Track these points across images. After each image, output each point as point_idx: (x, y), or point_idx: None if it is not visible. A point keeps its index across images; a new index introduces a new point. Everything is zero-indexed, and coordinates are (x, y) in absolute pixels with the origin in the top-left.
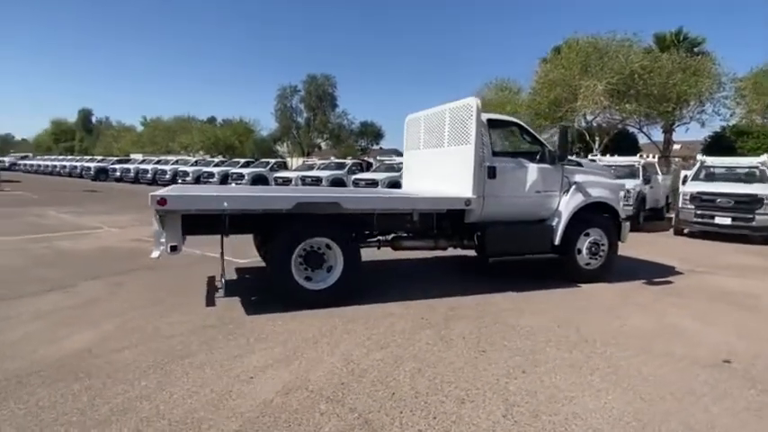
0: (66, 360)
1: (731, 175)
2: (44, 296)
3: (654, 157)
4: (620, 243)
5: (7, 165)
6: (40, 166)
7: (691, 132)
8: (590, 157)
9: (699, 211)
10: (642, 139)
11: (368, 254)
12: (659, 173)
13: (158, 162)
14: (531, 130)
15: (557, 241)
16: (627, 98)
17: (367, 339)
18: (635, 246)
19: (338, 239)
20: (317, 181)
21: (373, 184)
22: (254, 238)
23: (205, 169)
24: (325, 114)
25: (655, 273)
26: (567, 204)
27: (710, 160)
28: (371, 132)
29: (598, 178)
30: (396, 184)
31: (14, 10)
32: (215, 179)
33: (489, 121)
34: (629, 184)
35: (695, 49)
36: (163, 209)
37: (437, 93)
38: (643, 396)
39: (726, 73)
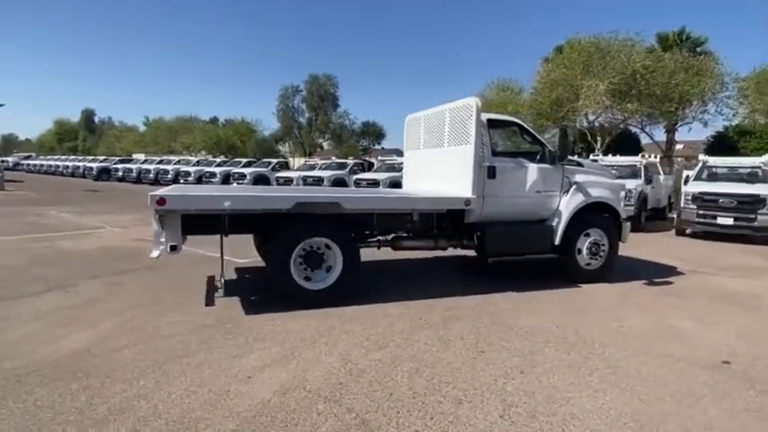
0: (65, 360)
1: (733, 175)
2: (44, 296)
3: (656, 157)
4: (620, 243)
5: (11, 165)
6: (42, 165)
7: (693, 132)
8: (592, 157)
9: (701, 212)
10: (645, 139)
11: (368, 254)
12: (661, 173)
13: (160, 162)
14: (531, 130)
15: (557, 241)
16: (629, 98)
17: (365, 339)
18: (636, 246)
19: (337, 239)
20: (318, 181)
21: (375, 184)
22: (254, 237)
23: (207, 169)
24: (327, 114)
25: (655, 273)
26: (567, 204)
27: (713, 160)
28: (373, 132)
29: (598, 178)
30: (397, 184)
31: (16, 10)
32: (217, 179)
33: (489, 120)
34: (631, 184)
35: (698, 49)
36: (162, 208)
37: (438, 93)
38: (641, 397)
39: (728, 73)
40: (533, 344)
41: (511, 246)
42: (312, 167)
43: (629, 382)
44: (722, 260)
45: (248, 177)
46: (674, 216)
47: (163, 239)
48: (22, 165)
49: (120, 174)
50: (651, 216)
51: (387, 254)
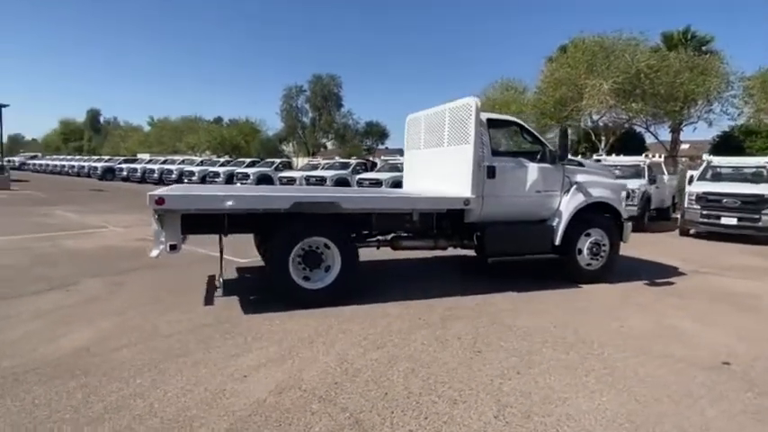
0: (64, 358)
1: (738, 175)
2: (45, 295)
3: (661, 156)
4: (622, 243)
5: (17, 164)
6: (48, 165)
7: (699, 132)
8: (595, 156)
9: (705, 212)
10: (649, 139)
11: (367, 254)
12: (665, 173)
13: (165, 162)
14: (532, 130)
15: (557, 241)
16: (633, 97)
17: (363, 339)
18: (639, 246)
19: (336, 239)
20: (321, 181)
21: (377, 183)
22: (254, 237)
23: (211, 169)
24: (331, 114)
25: (657, 273)
26: (567, 204)
27: (717, 160)
28: (377, 132)
29: (599, 178)
30: (399, 183)
31: (17, 11)
32: (220, 179)
33: (489, 120)
34: (634, 183)
35: (703, 48)
36: (161, 208)
37: (441, 92)
38: (638, 398)
39: (734, 72)
40: (531, 344)
41: (511, 246)
42: (315, 167)
43: (626, 383)
44: (725, 260)
45: (252, 177)
46: (678, 216)
47: (162, 239)
48: (28, 164)
49: (125, 174)
50: (655, 216)
51: (386, 254)
